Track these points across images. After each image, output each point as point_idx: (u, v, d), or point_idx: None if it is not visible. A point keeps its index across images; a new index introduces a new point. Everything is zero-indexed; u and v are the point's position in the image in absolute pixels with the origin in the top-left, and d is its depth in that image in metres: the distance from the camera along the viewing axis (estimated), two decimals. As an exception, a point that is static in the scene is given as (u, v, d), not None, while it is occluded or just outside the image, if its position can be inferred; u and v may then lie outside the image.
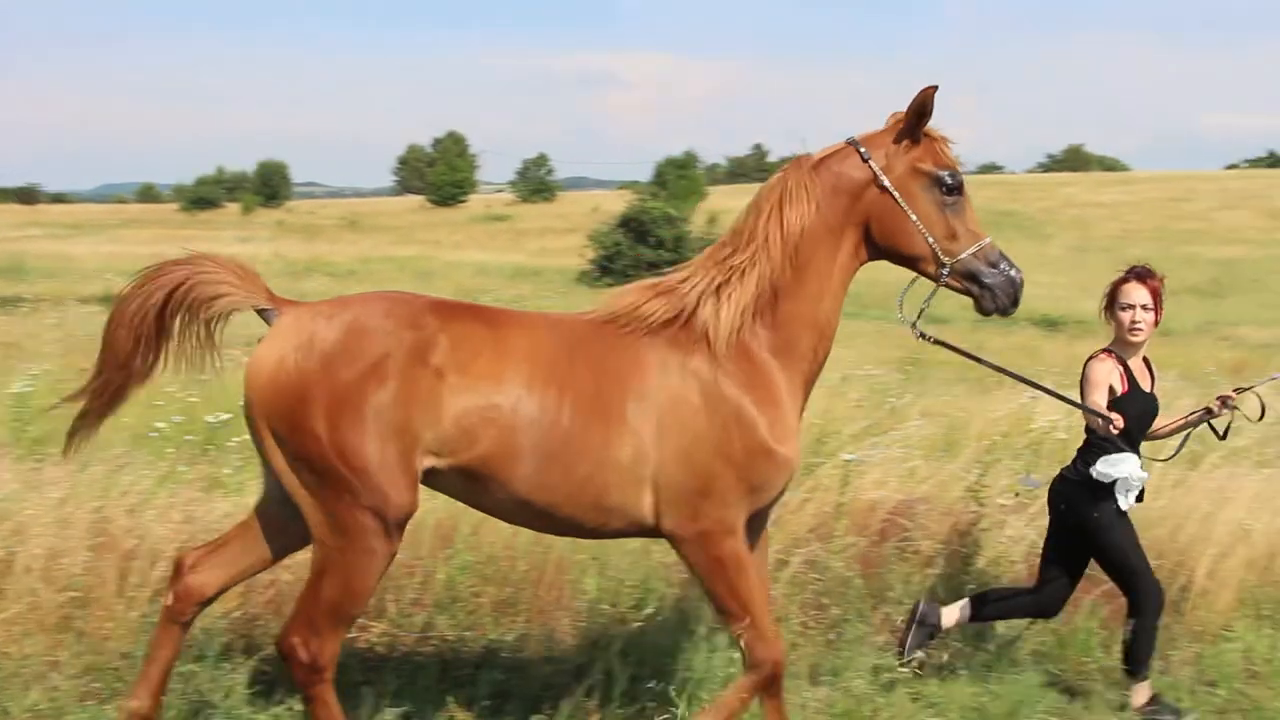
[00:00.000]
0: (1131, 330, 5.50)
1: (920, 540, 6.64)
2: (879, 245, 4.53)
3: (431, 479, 4.28)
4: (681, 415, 4.28)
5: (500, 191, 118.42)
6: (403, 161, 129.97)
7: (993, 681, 5.66)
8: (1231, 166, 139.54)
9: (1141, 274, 5.55)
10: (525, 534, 6.27)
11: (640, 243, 48.73)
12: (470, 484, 4.26)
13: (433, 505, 6.61)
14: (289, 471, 4.12)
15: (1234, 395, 5.57)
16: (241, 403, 4.23)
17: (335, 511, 4.08)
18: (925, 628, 5.71)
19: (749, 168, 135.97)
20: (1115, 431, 5.24)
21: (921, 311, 4.66)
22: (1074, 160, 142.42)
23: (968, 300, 4.58)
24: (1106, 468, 5.40)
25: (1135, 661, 5.53)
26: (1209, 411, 5.59)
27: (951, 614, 5.75)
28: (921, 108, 4.43)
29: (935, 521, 6.79)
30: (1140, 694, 5.53)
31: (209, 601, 4.54)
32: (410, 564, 5.97)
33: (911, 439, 8.67)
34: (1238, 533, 6.78)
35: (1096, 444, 5.49)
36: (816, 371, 4.59)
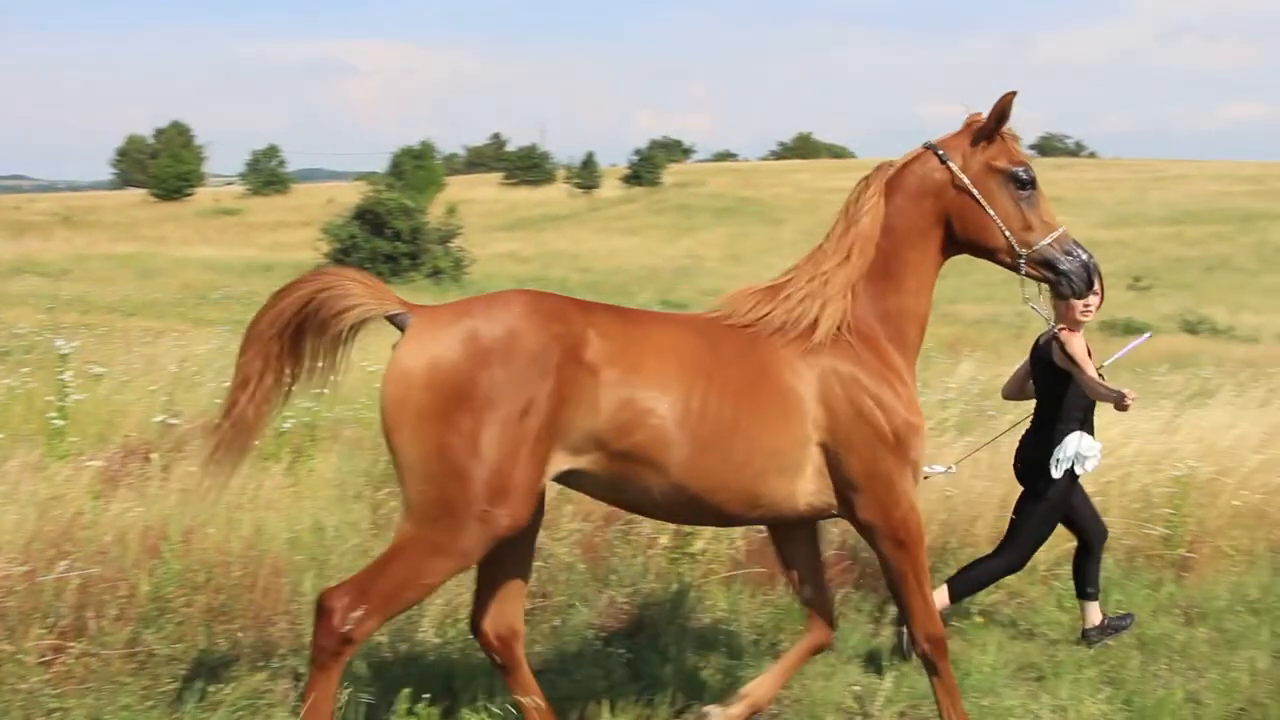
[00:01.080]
0: (1084, 313, 6.00)
1: (644, 522, 6.74)
2: (959, 240, 4.79)
3: (573, 478, 4.38)
4: (833, 408, 4.49)
5: (230, 184, 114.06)
6: (122, 153, 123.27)
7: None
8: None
9: None
10: (239, 539, 6.04)
11: (377, 235, 47.84)
12: (621, 475, 4.31)
13: (140, 513, 6.28)
14: (417, 462, 4.07)
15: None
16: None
17: (448, 507, 4.06)
18: None
19: (487, 157, 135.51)
20: (1131, 403, 5.70)
21: (1027, 300, 4.94)
22: (804, 148, 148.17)
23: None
24: (1062, 455, 6.06)
25: (965, 586, 6.19)
26: None
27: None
28: (1002, 112, 4.70)
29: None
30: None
31: (515, 636, 4.68)
32: (113, 577, 5.64)
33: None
34: (939, 499, 7.17)
35: (1048, 424, 6.12)
36: (916, 358, 4.87)
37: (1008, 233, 4.70)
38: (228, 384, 4.37)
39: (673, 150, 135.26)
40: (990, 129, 4.73)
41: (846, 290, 4.60)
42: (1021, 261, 4.73)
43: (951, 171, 4.71)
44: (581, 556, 6.44)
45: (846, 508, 4.60)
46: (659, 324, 4.55)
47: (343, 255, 46.39)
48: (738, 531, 6.83)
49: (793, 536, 4.96)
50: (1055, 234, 4.73)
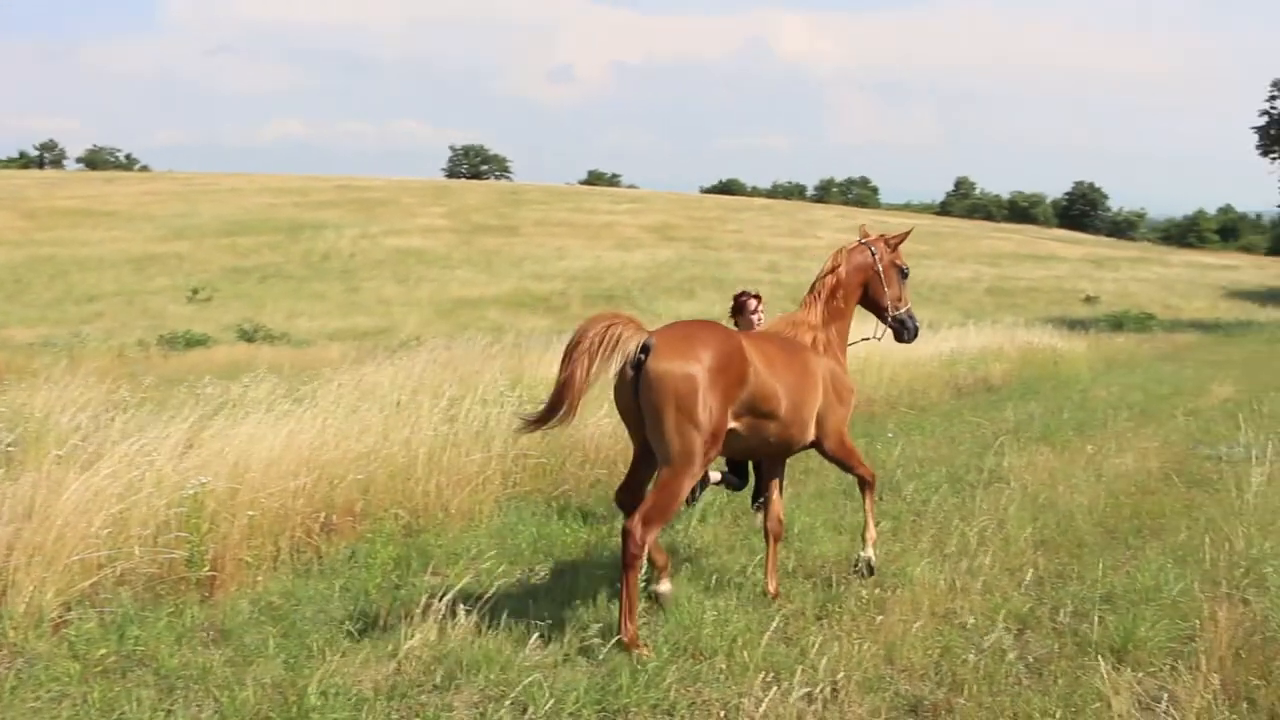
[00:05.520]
0: (751, 317, 9.96)
1: None
2: (868, 298, 8.11)
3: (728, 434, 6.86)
4: (829, 382, 7.58)
5: None
6: None
7: None
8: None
9: (754, 294, 10.04)
10: None
11: None
12: (751, 430, 6.99)
13: None
14: (674, 429, 6.48)
15: None
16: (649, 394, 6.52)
17: (692, 450, 6.50)
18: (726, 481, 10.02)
19: None
20: None
21: (878, 335, 8.49)
22: None
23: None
24: None
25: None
26: None
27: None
28: (904, 236, 8.26)
29: None
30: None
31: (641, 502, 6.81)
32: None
33: None
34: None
35: None
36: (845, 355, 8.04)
37: (889, 302, 8.10)
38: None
39: None
40: (897, 243, 8.15)
41: (830, 323, 7.83)
42: (890, 319, 8.17)
43: (874, 259, 8.04)
44: None
45: (821, 425, 7.55)
46: (763, 338, 7.39)
47: None
48: None
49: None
50: (908, 307, 8.22)
